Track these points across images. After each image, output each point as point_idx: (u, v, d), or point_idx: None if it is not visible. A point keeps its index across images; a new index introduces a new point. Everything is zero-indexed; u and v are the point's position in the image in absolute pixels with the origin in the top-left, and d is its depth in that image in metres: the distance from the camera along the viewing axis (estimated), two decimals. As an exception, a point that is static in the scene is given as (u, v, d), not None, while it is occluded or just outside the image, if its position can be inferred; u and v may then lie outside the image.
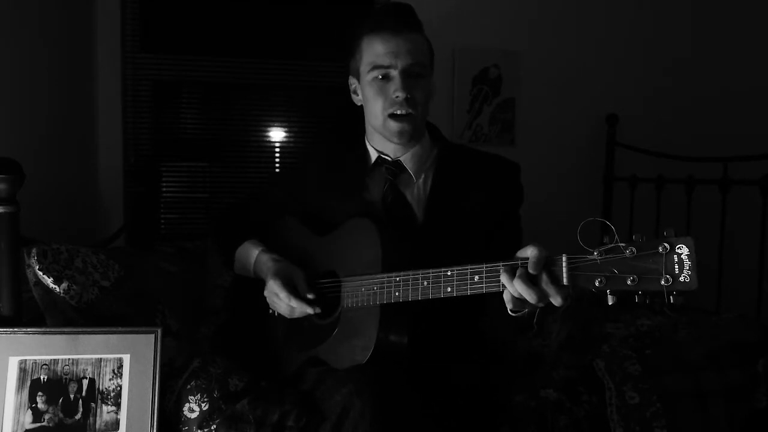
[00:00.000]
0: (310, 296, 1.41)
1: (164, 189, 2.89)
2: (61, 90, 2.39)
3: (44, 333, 1.47)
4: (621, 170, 3.00)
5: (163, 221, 2.90)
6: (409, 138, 1.44)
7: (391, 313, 1.30)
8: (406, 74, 1.38)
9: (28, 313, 1.58)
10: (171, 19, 2.83)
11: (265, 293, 1.45)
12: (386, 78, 1.40)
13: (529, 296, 1.07)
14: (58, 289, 1.56)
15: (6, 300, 1.50)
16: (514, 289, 1.09)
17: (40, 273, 1.55)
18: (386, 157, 1.49)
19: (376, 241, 1.33)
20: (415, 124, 1.43)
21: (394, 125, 1.41)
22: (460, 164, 1.50)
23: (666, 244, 0.94)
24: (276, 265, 1.44)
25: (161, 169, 2.88)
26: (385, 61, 1.38)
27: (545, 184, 2.84)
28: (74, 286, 1.57)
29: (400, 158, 1.48)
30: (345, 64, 1.53)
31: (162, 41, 2.82)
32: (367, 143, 1.54)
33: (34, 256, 1.55)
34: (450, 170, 1.49)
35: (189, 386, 1.51)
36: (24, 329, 1.47)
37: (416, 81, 1.40)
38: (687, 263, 0.93)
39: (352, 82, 1.51)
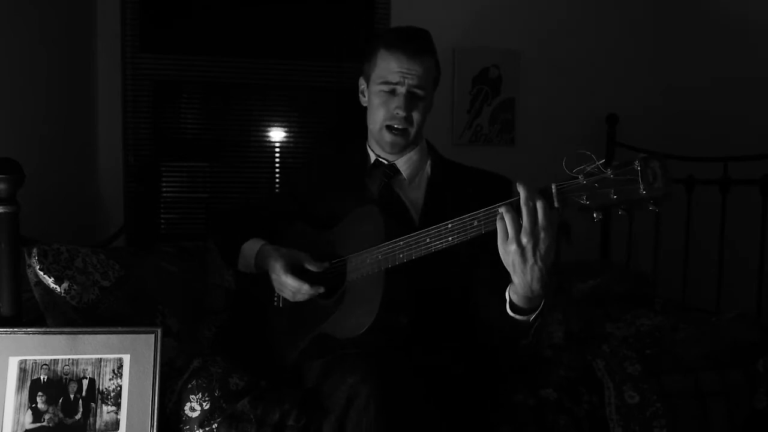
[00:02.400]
0: (317, 269, 1.46)
1: (164, 189, 2.90)
2: (61, 90, 2.39)
3: (44, 333, 1.47)
4: (621, 170, 3.00)
5: (163, 221, 2.90)
6: (400, 149, 1.56)
7: (394, 283, 1.34)
8: (409, 95, 1.50)
9: (29, 313, 1.58)
10: (171, 19, 2.83)
11: (273, 278, 1.48)
12: (392, 93, 1.51)
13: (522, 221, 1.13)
14: (58, 289, 1.56)
15: (6, 300, 1.50)
16: (511, 217, 1.14)
17: (41, 273, 1.55)
18: (383, 161, 1.59)
19: (380, 221, 1.39)
20: (407, 139, 1.54)
21: (388, 137, 1.53)
22: (453, 175, 1.60)
23: (639, 161, 1.06)
24: (279, 251, 1.49)
25: (161, 169, 2.88)
26: (395, 79, 1.49)
27: (545, 184, 2.84)
28: (75, 286, 1.57)
29: (395, 162, 1.58)
30: (357, 65, 1.61)
31: (162, 41, 2.82)
32: (367, 146, 1.63)
33: (34, 256, 1.55)
34: (444, 181, 1.58)
35: (190, 386, 1.51)
36: (24, 329, 1.47)
37: (417, 102, 1.51)
38: (659, 172, 1.06)
39: (362, 83, 1.60)
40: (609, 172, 1.08)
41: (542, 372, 1.75)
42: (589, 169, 1.10)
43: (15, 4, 1.98)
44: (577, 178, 1.11)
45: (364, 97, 1.60)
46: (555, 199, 1.13)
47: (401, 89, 1.49)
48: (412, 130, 1.53)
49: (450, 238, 1.23)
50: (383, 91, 1.51)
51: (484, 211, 1.19)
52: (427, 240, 1.26)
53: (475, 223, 1.20)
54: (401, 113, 1.49)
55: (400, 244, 1.31)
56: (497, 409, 1.49)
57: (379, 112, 1.52)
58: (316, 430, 1.42)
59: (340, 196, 1.56)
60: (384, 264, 1.34)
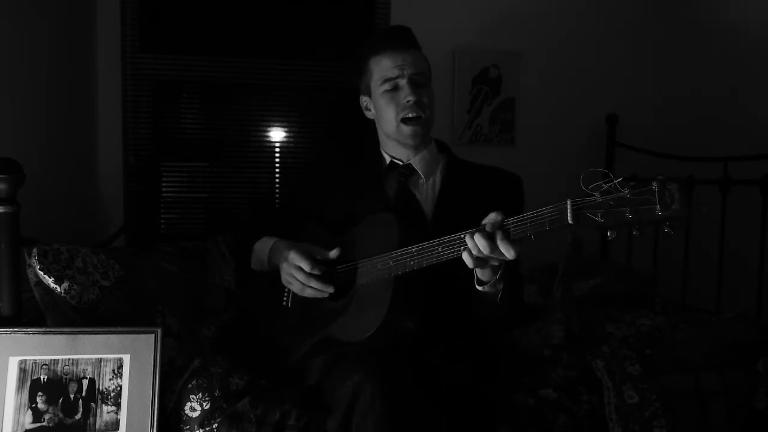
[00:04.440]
0: (333, 254, 1.47)
1: (164, 189, 2.89)
2: (62, 90, 2.39)
3: (44, 333, 1.47)
4: (621, 170, 3.00)
5: (163, 221, 2.90)
6: (421, 139, 1.58)
7: (403, 289, 1.35)
8: (413, 82, 1.54)
9: (29, 313, 1.58)
10: (171, 19, 2.83)
11: (284, 267, 1.47)
12: (396, 88, 1.55)
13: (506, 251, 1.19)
14: (59, 289, 1.56)
15: (6, 300, 1.50)
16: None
17: (41, 273, 1.55)
18: (398, 162, 1.61)
19: (395, 228, 1.40)
20: (425, 126, 1.57)
21: (407, 129, 1.55)
22: (467, 172, 1.63)
23: (657, 182, 1.05)
24: (293, 244, 1.50)
25: (161, 169, 2.88)
26: (394, 73, 1.54)
27: (545, 184, 2.84)
28: (75, 286, 1.57)
29: (411, 161, 1.60)
30: (350, 73, 1.66)
31: (162, 41, 2.82)
32: (381, 150, 1.66)
33: (35, 256, 1.55)
34: (457, 176, 1.61)
35: (190, 385, 1.52)
36: (24, 329, 1.47)
37: (422, 88, 1.55)
38: (677, 195, 1.03)
39: (364, 100, 1.64)
40: (626, 191, 1.07)
41: (542, 372, 1.75)
42: (605, 186, 1.09)
43: (15, 5, 1.98)
44: (594, 195, 1.10)
45: (370, 110, 1.64)
46: (569, 215, 1.12)
47: (403, 81, 1.53)
48: (427, 114, 1.56)
49: (461, 248, 1.23)
50: (386, 90, 1.55)
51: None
52: (439, 249, 1.28)
53: None
54: (411, 99, 1.52)
55: (411, 252, 1.32)
56: (498, 406, 1.50)
57: (390, 109, 1.55)
58: (317, 429, 1.42)
59: (356, 199, 1.58)
60: (395, 270, 1.35)
